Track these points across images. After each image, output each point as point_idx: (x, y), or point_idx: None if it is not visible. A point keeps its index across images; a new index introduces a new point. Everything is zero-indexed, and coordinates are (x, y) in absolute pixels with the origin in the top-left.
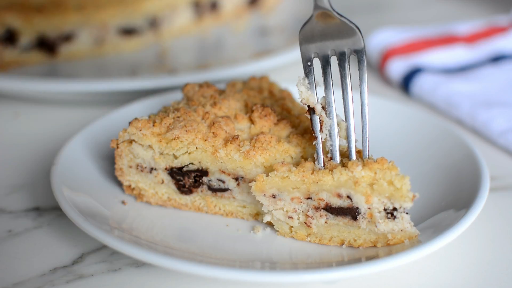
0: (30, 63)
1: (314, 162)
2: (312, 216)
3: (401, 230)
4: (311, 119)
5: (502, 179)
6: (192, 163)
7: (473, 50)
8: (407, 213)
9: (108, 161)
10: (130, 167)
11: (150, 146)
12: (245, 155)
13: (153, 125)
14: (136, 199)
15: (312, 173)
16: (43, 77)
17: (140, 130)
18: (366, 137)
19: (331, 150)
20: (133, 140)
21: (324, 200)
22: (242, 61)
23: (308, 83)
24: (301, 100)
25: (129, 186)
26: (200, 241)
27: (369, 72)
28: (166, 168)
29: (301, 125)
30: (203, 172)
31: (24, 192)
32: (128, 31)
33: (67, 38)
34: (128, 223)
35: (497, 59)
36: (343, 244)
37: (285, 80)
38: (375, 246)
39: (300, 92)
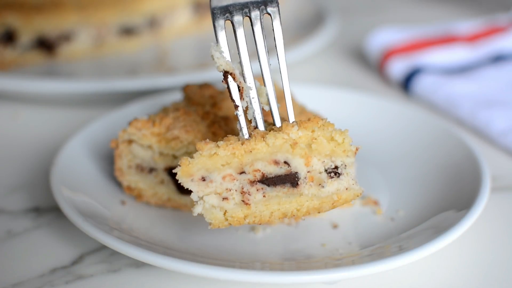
0: (30, 63)
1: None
2: (248, 192)
3: (347, 189)
4: (228, 87)
5: (502, 179)
6: None
7: (473, 50)
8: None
9: (108, 161)
10: (130, 167)
11: (149, 146)
12: None
13: (153, 125)
14: (136, 199)
15: (242, 144)
16: (43, 77)
17: (140, 130)
18: (289, 101)
19: (254, 118)
20: (133, 140)
21: (260, 171)
22: None
23: (222, 49)
24: (218, 68)
25: (129, 186)
26: (199, 242)
27: (369, 72)
28: (165, 168)
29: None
30: None
31: (23, 192)
32: (128, 31)
33: (67, 38)
34: (127, 223)
35: (497, 59)
36: (285, 217)
37: None
38: (319, 212)
39: (216, 58)
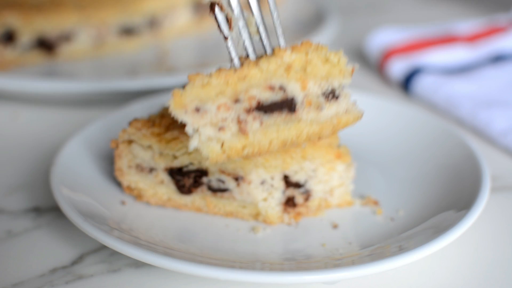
0: (30, 63)
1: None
2: (245, 121)
3: (346, 111)
4: (216, 18)
5: (502, 179)
6: (191, 163)
7: (473, 50)
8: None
9: (108, 161)
10: (130, 167)
11: (149, 147)
12: None
13: (153, 125)
14: (136, 199)
15: (235, 72)
16: (43, 77)
17: (140, 130)
18: (279, 30)
19: (245, 47)
20: (133, 140)
21: (255, 98)
22: None
23: None
24: None
25: (129, 186)
26: (200, 242)
27: (369, 72)
28: (165, 168)
29: None
30: (203, 172)
31: (23, 192)
32: (128, 31)
33: (67, 38)
34: (127, 223)
35: (497, 59)
36: (285, 145)
37: None
38: (320, 138)
39: None
